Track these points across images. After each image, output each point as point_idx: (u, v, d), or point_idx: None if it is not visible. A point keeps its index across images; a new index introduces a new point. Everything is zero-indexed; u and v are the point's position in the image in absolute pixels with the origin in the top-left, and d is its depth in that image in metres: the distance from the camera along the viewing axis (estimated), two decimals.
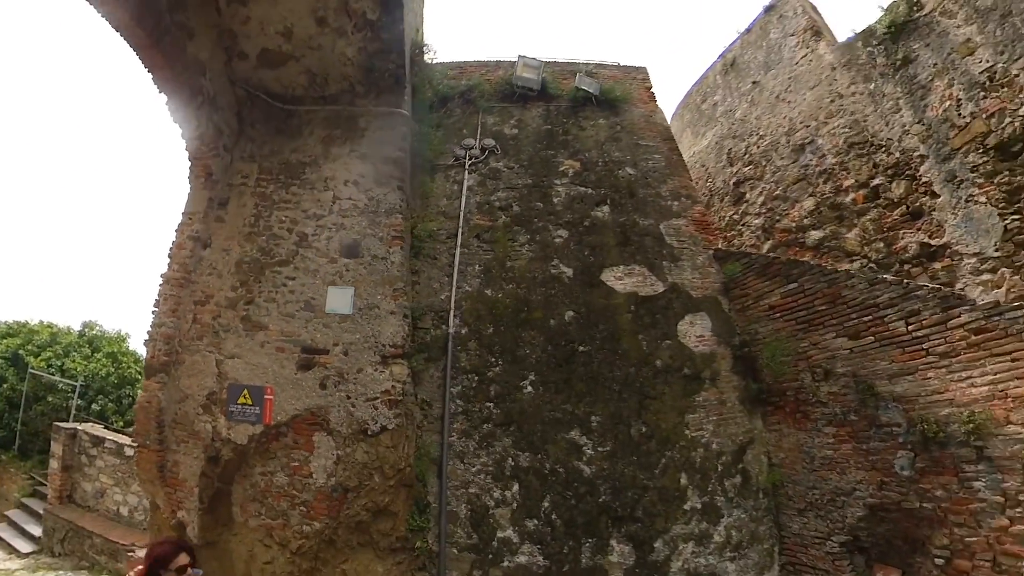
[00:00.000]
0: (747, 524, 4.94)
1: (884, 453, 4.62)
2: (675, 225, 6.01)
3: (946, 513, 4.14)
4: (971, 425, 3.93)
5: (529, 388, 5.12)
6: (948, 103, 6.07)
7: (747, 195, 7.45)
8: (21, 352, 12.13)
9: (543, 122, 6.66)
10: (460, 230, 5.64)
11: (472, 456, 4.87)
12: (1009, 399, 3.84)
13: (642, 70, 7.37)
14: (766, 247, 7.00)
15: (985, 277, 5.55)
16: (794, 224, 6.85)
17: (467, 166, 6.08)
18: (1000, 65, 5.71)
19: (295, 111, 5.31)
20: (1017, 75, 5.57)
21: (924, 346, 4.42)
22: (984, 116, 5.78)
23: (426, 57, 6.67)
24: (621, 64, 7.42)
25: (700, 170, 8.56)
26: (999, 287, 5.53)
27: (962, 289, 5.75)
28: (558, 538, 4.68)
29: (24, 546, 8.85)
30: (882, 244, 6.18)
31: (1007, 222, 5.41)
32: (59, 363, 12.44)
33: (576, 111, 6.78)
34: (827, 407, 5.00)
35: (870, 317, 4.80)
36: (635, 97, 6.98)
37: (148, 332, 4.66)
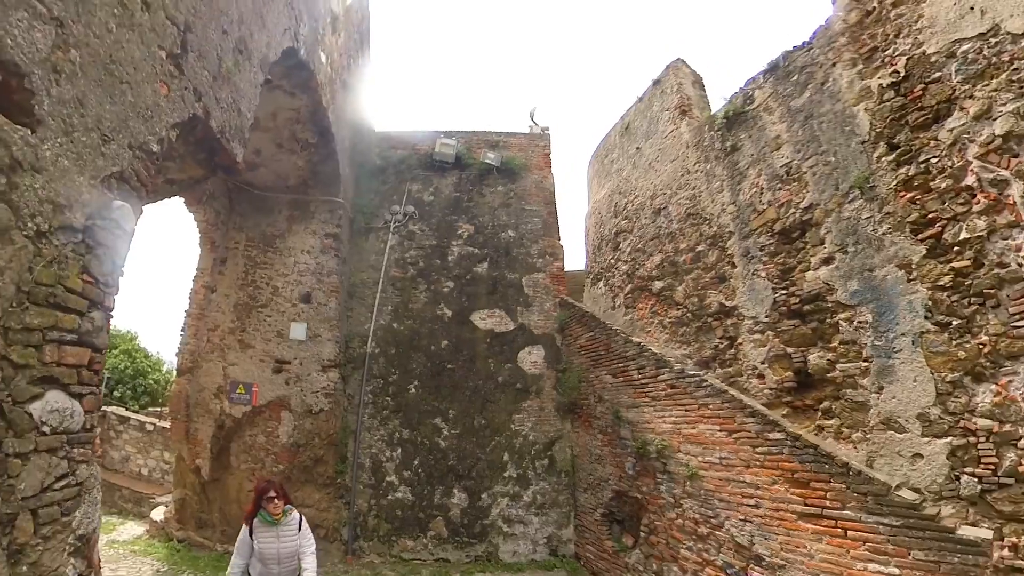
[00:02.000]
0: (550, 493, 7.76)
1: (622, 457, 7.14)
2: (535, 278, 8.49)
3: (648, 503, 6.65)
4: (660, 448, 6.37)
5: (413, 390, 8.07)
6: (755, 190, 7.77)
7: (621, 244, 9.53)
8: None
9: (454, 190, 9.08)
10: (381, 280, 8.41)
11: (375, 430, 7.95)
12: (681, 436, 6.26)
13: (545, 136, 9.46)
14: (627, 288, 9.20)
15: (756, 337, 7.55)
16: (647, 273, 8.97)
17: (391, 229, 8.72)
18: (795, 162, 7.37)
19: (268, 196, 8.16)
20: (805, 172, 7.20)
21: (645, 390, 6.77)
22: (776, 205, 7.49)
23: (376, 132, 9.07)
24: (529, 132, 9.48)
25: (598, 216, 10.54)
26: (764, 346, 7.47)
27: (741, 343, 7.74)
28: (422, 484, 7.76)
29: None
30: (696, 299, 8.23)
31: (776, 295, 7.28)
32: None
33: (482, 179, 9.12)
34: (600, 420, 7.51)
35: (622, 364, 7.15)
36: (533, 164, 9.17)
37: (178, 347, 8.03)
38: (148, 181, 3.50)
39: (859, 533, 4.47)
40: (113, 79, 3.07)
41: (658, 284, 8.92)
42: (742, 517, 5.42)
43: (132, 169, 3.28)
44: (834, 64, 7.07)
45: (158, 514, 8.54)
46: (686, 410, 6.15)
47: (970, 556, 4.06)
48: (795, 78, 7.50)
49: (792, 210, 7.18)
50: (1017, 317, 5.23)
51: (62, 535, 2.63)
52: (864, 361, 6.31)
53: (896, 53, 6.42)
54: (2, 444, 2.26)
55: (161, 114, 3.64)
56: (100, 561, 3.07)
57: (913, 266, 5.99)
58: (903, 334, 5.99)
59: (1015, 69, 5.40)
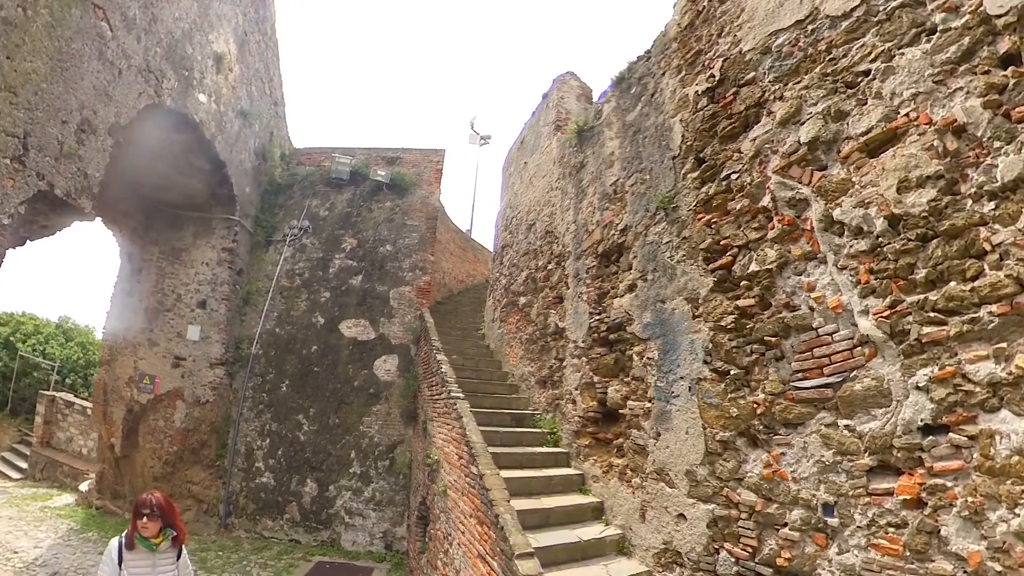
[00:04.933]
0: (388, 492, 6.64)
1: (424, 465, 5.83)
2: (401, 291, 7.24)
3: (431, 511, 5.40)
4: (434, 461, 5.14)
5: (285, 388, 7.17)
6: (590, 209, 6.10)
7: (504, 258, 7.96)
8: (11, 338, 13.33)
9: (347, 205, 7.96)
10: (272, 289, 7.53)
11: (251, 421, 7.17)
12: (443, 453, 4.98)
13: (440, 152, 8.09)
14: (503, 302, 7.69)
15: (574, 361, 5.98)
16: (517, 288, 7.46)
17: (288, 242, 7.76)
18: (621, 180, 5.64)
19: (179, 214, 7.46)
20: (627, 192, 5.50)
21: (437, 406, 5.47)
22: (602, 226, 5.78)
23: (291, 148, 8.13)
24: (425, 148, 8.14)
25: (496, 229, 8.95)
26: (578, 371, 5.90)
27: (565, 366, 6.17)
28: (283, 472, 6.90)
29: (14, 474, 10.57)
30: (543, 318, 6.69)
31: (591, 320, 5.63)
32: (42, 348, 13.71)
33: (373, 195, 7.93)
34: (420, 428, 6.19)
35: (433, 379, 5.83)
36: (423, 180, 7.84)
37: (101, 343, 7.49)
38: (4, 244, 4.19)
39: None
40: None
41: (523, 300, 7.30)
42: (458, 542, 4.03)
43: None
44: (664, 73, 5.12)
45: (84, 487, 8.23)
46: (449, 430, 4.77)
47: None
48: (633, 90, 5.57)
49: (612, 232, 5.35)
50: (799, 375, 3.31)
51: None
52: (648, 402, 4.48)
53: (715, 55, 4.43)
54: None
55: (8, 199, 4.03)
56: None
57: (700, 300, 4.08)
58: (682, 378, 4.12)
59: (831, 59, 3.37)
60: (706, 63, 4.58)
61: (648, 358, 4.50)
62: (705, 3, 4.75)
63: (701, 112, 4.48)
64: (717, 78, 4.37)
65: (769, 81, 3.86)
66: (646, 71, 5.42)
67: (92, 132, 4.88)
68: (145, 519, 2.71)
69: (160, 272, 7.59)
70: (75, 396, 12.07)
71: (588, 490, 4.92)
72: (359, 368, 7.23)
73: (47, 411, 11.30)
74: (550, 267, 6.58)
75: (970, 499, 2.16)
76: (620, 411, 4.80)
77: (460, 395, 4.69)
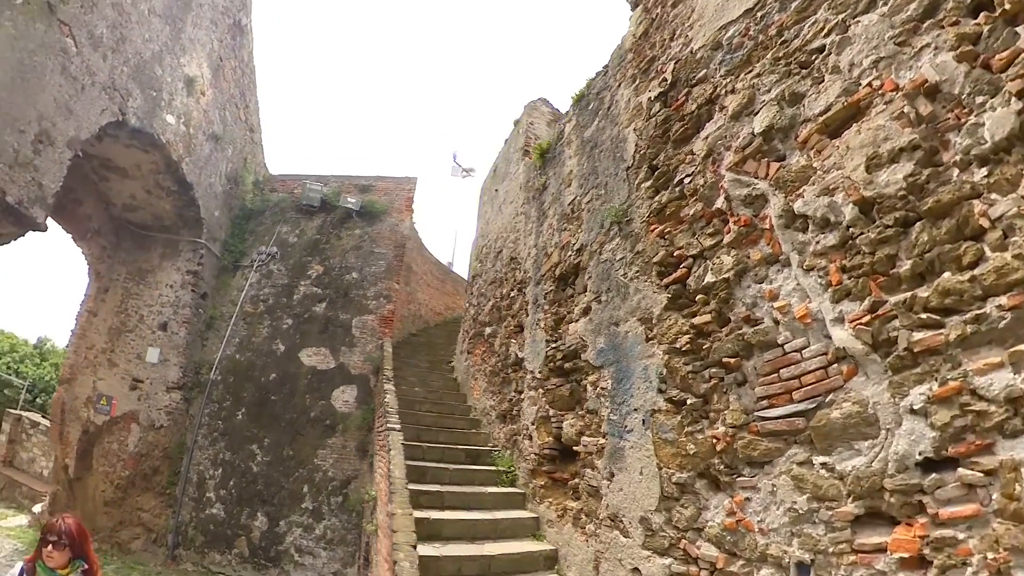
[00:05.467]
0: (339, 529, 5.78)
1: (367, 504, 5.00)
2: (364, 320, 6.71)
3: (369, 551, 4.49)
4: (373, 498, 4.35)
5: (240, 416, 6.52)
6: (550, 231, 5.57)
7: (473, 288, 7.39)
8: None
9: (316, 232, 7.56)
10: (235, 314, 7.03)
11: (204, 449, 6.49)
12: (379, 488, 4.25)
13: (412, 180, 7.73)
14: (471, 333, 7.05)
15: (531, 394, 5.24)
16: (484, 319, 6.85)
17: (255, 268, 7.32)
18: (578, 198, 5.14)
19: (148, 235, 7.13)
20: (583, 209, 4.96)
21: (379, 438, 4.78)
22: (560, 247, 5.22)
23: (266, 174, 7.84)
24: (397, 176, 7.80)
25: (470, 260, 8.41)
26: (535, 404, 5.16)
27: (523, 399, 5.42)
28: (233, 504, 6.18)
29: None
30: (505, 348, 6.01)
31: (548, 349, 4.97)
32: (15, 367, 12.93)
33: (343, 222, 7.54)
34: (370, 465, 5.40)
35: (380, 412, 5.05)
36: (394, 208, 7.44)
37: (64, 361, 7.01)
38: None
39: None
40: None
41: (488, 330, 6.63)
42: None
43: None
44: (619, 84, 4.69)
45: (37, 508, 7.53)
46: (384, 464, 4.05)
47: None
48: (591, 106, 5.16)
49: (569, 253, 4.78)
50: (765, 403, 2.56)
51: None
52: (603, 438, 3.69)
53: (668, 59, 3.98)
54: None
55: None
56: None
57: (654, 320, 3.38)
58: (635, 409, 3.35)
59: (783, 42, 2.86)
60: (659, 68, 4.13)
61: (602, 388, 3.76)
62: (658, 10, 4.38)
63: (654, 118, 3.98)
64: (669, 81, 3.89)
65: (720, 76, 3.35)
66: (603, 85, 5.02)
67: (50, 144, 4.69)
68: (51, 547, 2.26)
69: (126, 292, 7.17)
70: (43, 416, 10.95)
71: (542, 536, 4.05)
72: (316, 398, 6.55)
73: (12, 430, 10.43)
74: (512, 294, 5.97)
75: (991, 555, 1.52)
76: (575, 448, 4.00)
77: (396, 427, 3.96)
